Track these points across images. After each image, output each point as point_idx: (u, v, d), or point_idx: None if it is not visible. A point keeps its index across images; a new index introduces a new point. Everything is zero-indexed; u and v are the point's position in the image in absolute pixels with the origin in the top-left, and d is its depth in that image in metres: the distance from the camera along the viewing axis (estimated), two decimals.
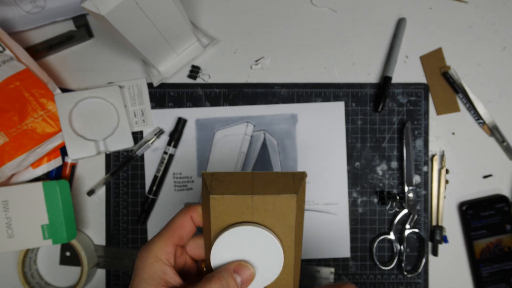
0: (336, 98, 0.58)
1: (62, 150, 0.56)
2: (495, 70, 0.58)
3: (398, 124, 0.58)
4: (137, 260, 0.33)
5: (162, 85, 0.57)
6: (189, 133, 0.57)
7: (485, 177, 0.58)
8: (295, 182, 0.31)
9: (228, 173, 0.32)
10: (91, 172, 0.57)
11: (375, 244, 0.57)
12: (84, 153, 0.54)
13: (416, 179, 0.58)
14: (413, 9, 0.59)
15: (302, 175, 0.31)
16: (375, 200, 0.58)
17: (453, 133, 0.58)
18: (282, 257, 0.32)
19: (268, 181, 0.31)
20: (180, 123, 0.56)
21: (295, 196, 0.30)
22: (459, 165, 0.58)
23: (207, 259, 0.33)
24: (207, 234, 0.33)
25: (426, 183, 0.58)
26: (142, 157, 0.57)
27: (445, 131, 0.58)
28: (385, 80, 0.57)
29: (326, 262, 0.57)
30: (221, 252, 0.32)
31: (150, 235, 0.57)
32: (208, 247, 0.32)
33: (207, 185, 0.31)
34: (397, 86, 0.58)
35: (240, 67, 0.58)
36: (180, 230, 0.34)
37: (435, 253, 0.57)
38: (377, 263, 0.57)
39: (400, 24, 0.58)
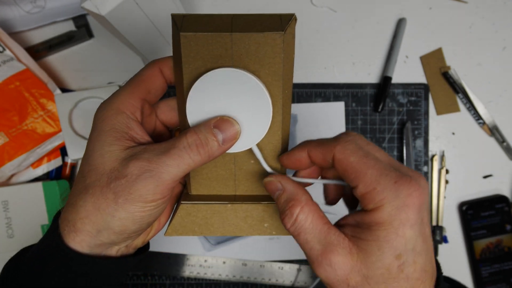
0: (336, 98, 0.58)
1: (62, 150, 0.56)
2: (495, 70, 0.58)
3: (398, 124, 0.58)
4: (95, 116, 0.27)
5: None
6: None
7: (485, 177, 0.58)
8: (282, 22, 0.26)
9: (203, 14, 0.27)
10: None
11: None
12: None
13: None
14: (413, 9, 0.59)
15: (291, 16, 0.27)
16: None
17: (453, 133, 0.58)
18: (270, 111, 0.26)
19: (251, 21, 0.26)
20: None
21: (282, 34, 0.26)
22: (459, 165, 0.58)
23: (181, 123, 0.28)
24: (180, 89, 0.27)
25: None
26: None
27: (445, 131, 0.58)
28: (385, 80, 0.57)
29: None
30: (198, 105, 0.26)
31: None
32: (182, 106, 0.27)
33: (177, 25, 0.25)
34: (397, 86, 0.58)
35: None
36: (147, 82, 0.28)
37: (435, 253, 0.57)
38: None
39: (400, 24, 0.58)
